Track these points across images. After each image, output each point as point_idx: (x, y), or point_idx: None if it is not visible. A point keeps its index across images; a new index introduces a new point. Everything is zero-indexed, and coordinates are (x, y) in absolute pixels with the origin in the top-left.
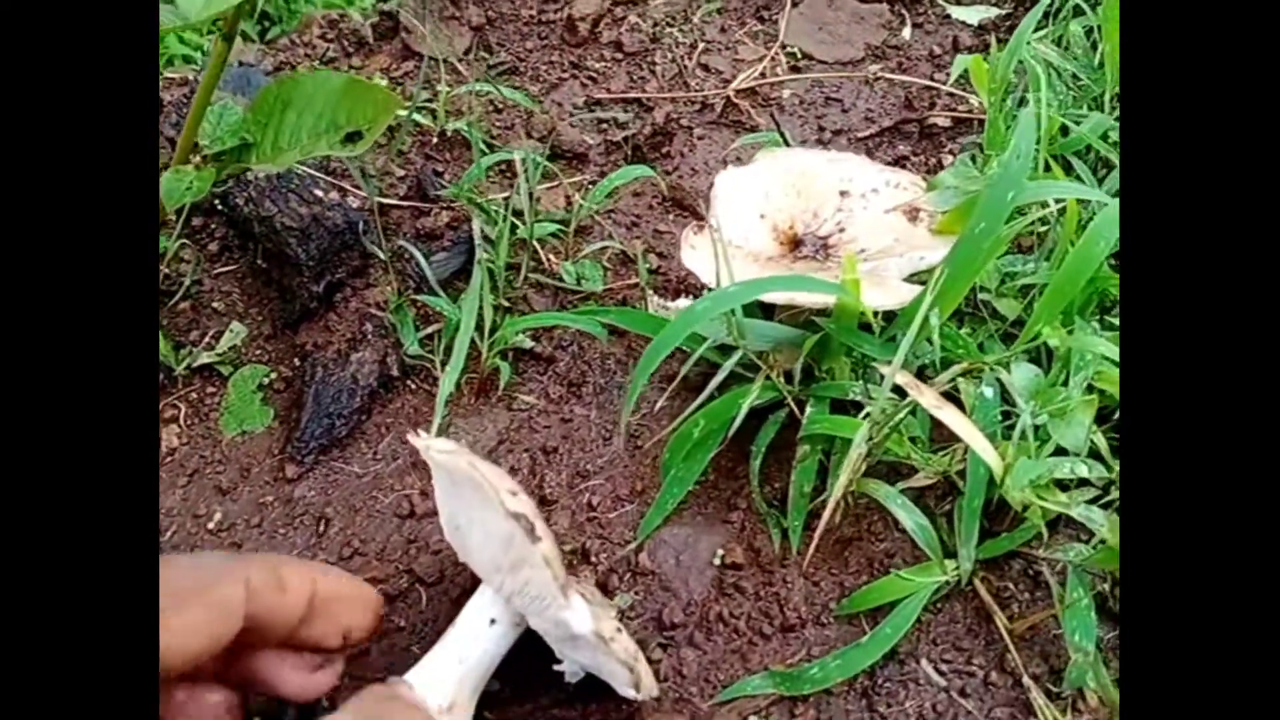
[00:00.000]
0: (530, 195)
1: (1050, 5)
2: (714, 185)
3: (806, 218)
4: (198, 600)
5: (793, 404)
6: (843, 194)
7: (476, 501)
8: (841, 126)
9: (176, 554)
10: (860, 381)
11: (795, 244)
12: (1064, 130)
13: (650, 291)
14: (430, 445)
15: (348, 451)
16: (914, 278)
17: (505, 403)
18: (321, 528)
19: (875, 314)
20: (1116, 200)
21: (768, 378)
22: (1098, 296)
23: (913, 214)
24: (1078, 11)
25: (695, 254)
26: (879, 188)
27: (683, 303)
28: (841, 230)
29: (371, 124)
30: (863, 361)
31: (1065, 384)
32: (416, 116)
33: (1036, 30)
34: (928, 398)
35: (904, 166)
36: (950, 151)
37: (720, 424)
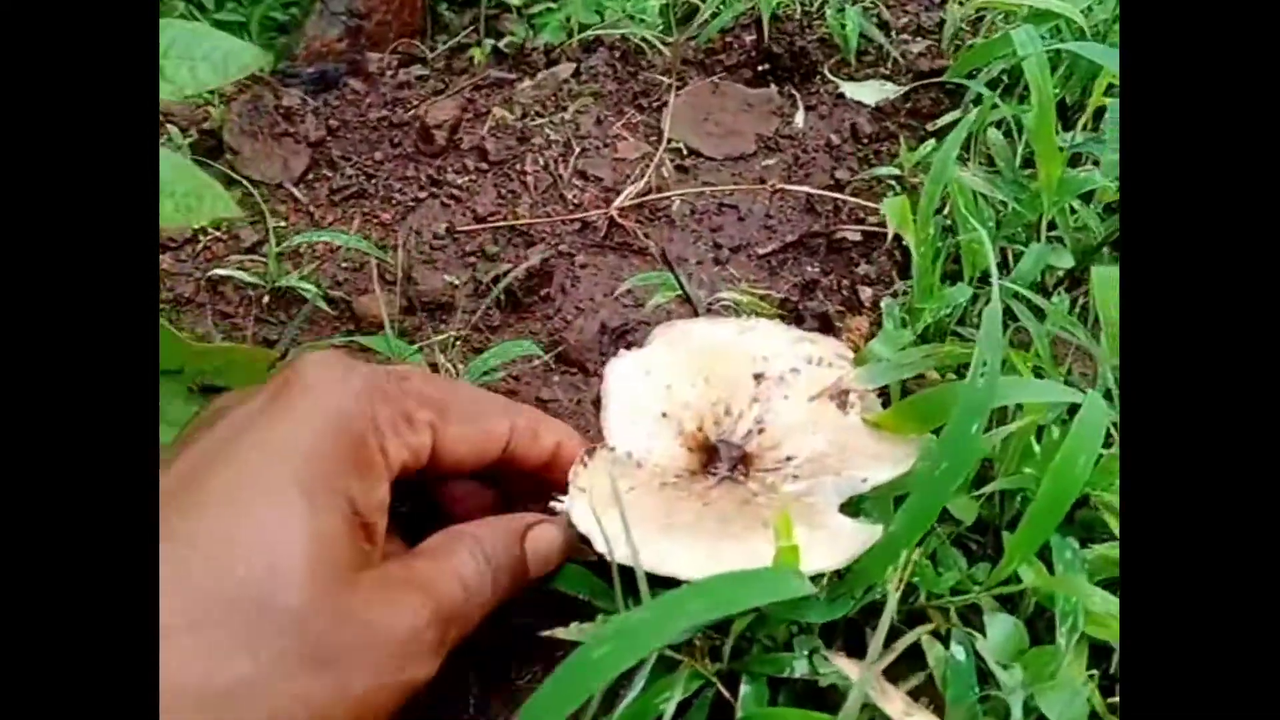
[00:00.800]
0: None
1: (947, 87)
2: (605, 379)
3: (718, 413)
4: (472, 422)
5: (721, 687)
6: (757, 377)
7: None
8: (740, 241)
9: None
10: (805, 657)
11: (708, 452)
12: (1001, 264)
13: None
14: None
15: None
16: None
17: None
18: None
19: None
20: (1096, 404)
21: (694, 664)
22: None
23: (841, 399)
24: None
25: (584, 505)
26: (799, 366)
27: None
28: (761, 430)
29: None
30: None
31: (1047, 632)
32: (242, 274)
33: (941, 116)
34: (896, 705)
35: (814, 291)
36: (866, 277)
37: None
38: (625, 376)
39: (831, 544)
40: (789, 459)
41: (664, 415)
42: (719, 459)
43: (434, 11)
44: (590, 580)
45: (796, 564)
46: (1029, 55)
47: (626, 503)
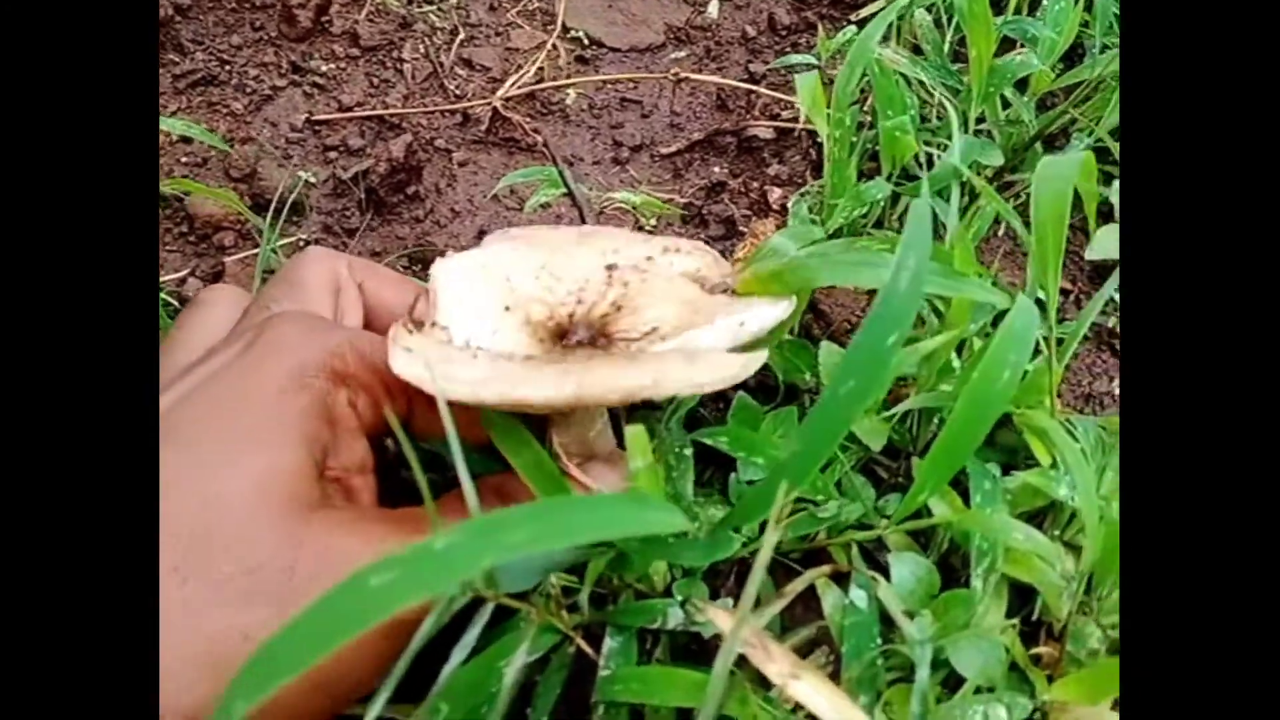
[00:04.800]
0: None
1: None
2: (431, 278)
3: (570, 303)
4: None
5: (582, 643)
6: (610, 268)
7: None
8: (642, 140)
9: None
10: (676, 602)
11: (562, 335)
12: (925, 163)
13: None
14: None
15: None
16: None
17: None
18: None
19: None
20: (1026, 307)
21: (548, 615)
22: None
23: (712, 289)
24: None
25: (413, 359)
26: (653, 254)
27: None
28: (619, 308)
29: None
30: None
31: (962, 571)
32: None
33: (865, 5)
34: (779, 664)
35: (722, 194)
36: (777, 178)
37: (476, 702)
38: (457, 272)
39: (712, 365)
40: (654, 330)
41: (507, 309)
42: (575, 333)
43: None
44: None
45: (658, 486)
46: None
47: (467, 363)
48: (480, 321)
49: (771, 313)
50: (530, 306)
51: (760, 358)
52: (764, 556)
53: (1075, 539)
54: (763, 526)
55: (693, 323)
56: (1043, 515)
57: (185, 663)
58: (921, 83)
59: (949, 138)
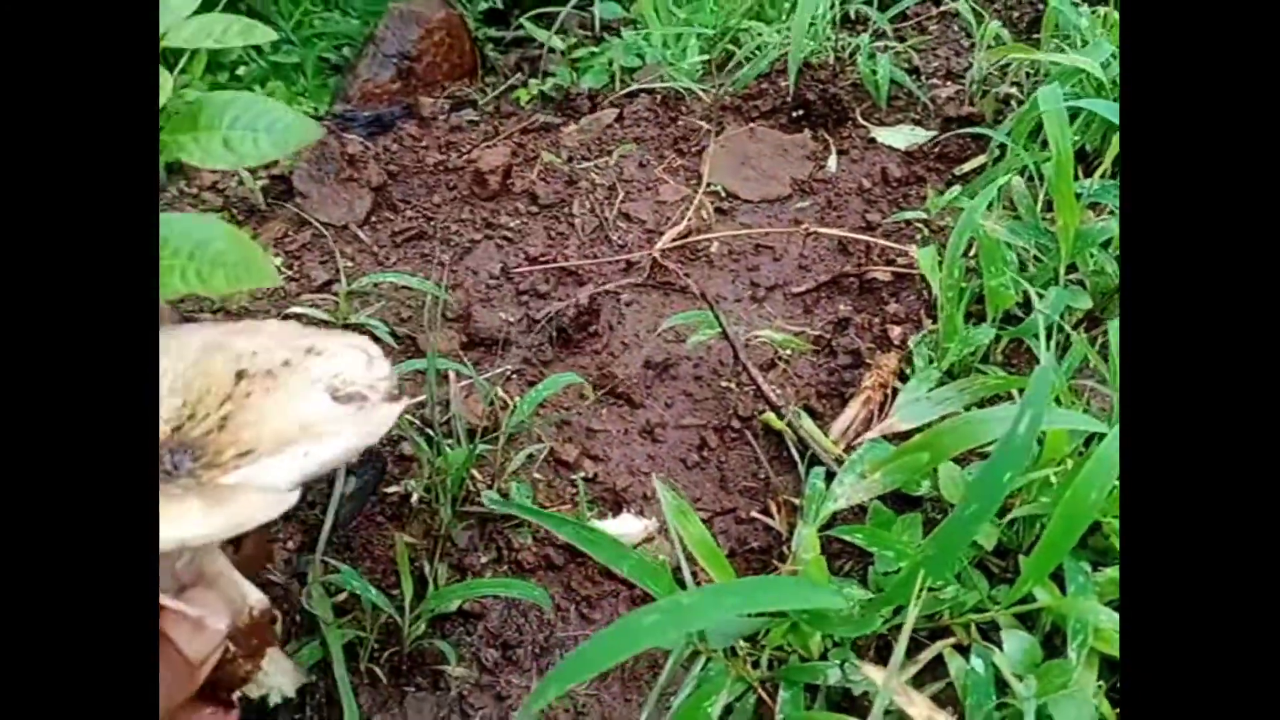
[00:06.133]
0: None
1: (967, 134)
2: None
3: (178, 419)
4: None
5: (763, 693)
6: (239, 375)
7: None
8: (775, 280)
9: None
10: (837, 666)
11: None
12: (1023, 304)
13: (590, 519)
14: None
15: None
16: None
17: (431, 680)
18: None
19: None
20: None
21: (740, 669)
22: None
23: (340, 393)
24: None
25: None
26: (292, 359)
27: (626, 522)
28: (223, 426)
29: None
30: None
31: (1060, 647)
32: (314, 312)
33: (967, 160)
34: (919, 708)
35: (847, 328)
36: (895, 316)
37: None
38: None
39: (215, 516)
40: (247, 453)
41: None
42: (164, 458)
43: (481, 53)
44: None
45: (824, 575)
46: (1050, 112)
47: None
48: None
49: (339, 445)
50: None
51: (273, 503)
52: (908, 627)
53: None
54: (896, 609)
55: (289, 448)
56: None
57: None
58: (1024, 248)
59: (1045, 284)
